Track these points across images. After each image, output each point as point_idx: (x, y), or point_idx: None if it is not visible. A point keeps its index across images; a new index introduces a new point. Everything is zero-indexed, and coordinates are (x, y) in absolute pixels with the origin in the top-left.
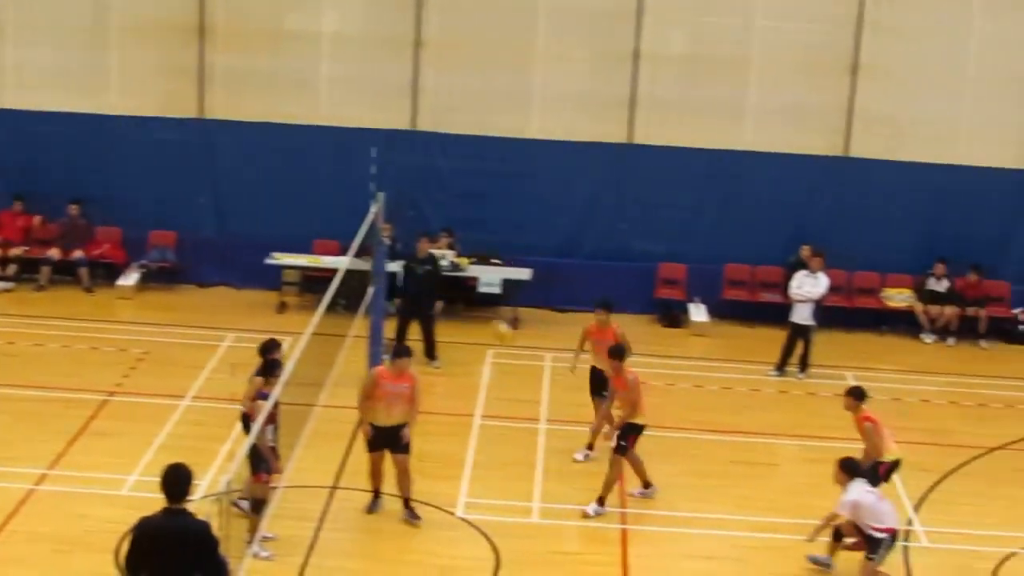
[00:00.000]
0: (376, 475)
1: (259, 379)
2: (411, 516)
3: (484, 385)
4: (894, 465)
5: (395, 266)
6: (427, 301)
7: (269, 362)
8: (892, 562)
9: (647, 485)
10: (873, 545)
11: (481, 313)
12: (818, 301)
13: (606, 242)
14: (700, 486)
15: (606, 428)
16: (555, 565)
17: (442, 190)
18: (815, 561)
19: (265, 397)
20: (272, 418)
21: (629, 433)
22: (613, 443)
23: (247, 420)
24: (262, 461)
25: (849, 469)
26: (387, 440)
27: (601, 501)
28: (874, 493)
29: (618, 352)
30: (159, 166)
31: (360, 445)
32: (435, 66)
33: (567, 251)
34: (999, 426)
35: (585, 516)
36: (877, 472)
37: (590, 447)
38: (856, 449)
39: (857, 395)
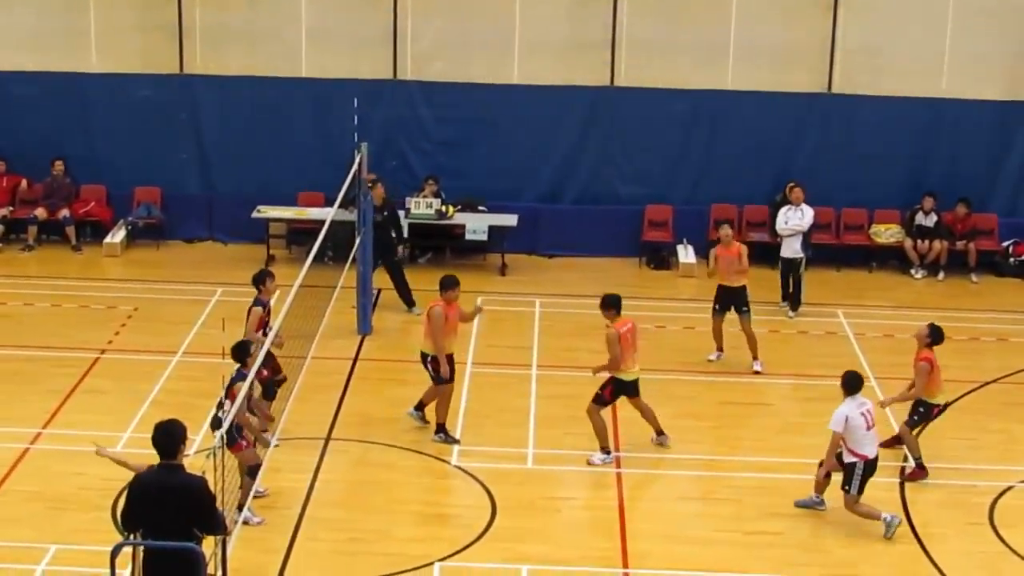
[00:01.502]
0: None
1: (258, 309)
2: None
3: (474, 332)
4: (943, 408)
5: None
6: (387, 249)
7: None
8: (889, 499)
9: (660, 433)
10: (847, 474)
11: (468, 260)
12: (806, 233)
13: (591, 186)
14: (693, 428)
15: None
16: (551, 511)
17: (426, 139)
18: (803, 505)
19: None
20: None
21: (609, 385)
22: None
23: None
24: (236, 431)
25: (847, 384)
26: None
27: (604, 450)
28: (865, 418)
29: (608, 303)
30: (141, 124)
31: (355, 395)
32: (414, 15)
33: (552, 196)
34: (991, 360)
35: (590, 464)
36: (930, 413)
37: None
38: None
39: (934, 336)
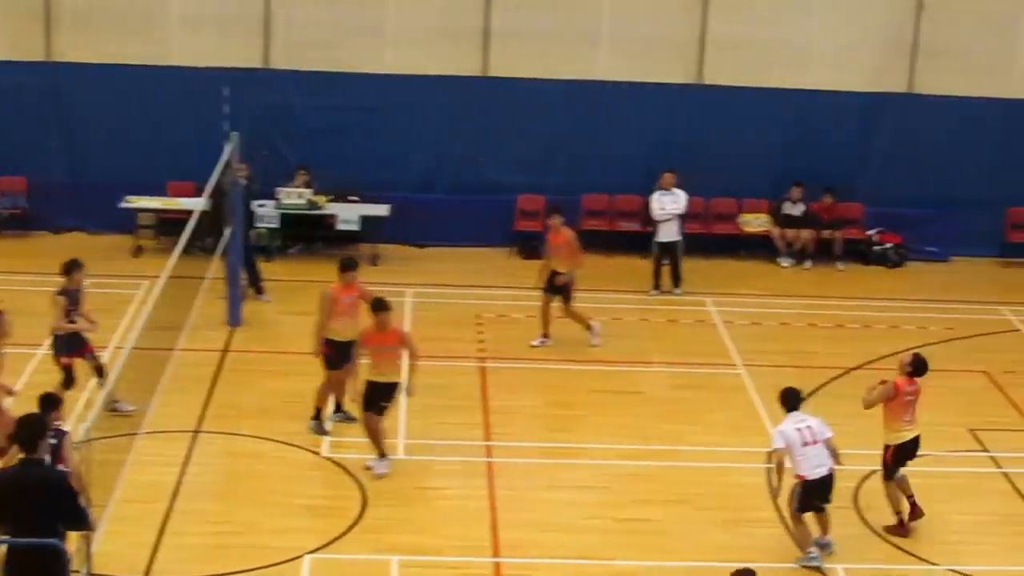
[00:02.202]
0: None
1: (60, 298)
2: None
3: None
4: (910, 443)
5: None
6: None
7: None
8: (758, 484)
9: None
10: (791, 490)
11: (340, 251)
12: (682, 216)
13: (464, 176)
14: (563, 416)
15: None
16: (422, 501)
17: (297, 128)
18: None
19: None
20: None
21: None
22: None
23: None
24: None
25: (784, 401)
26: (348, 354)
27: (382, 455)
28: (803, 433)
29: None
30: (5, 111)
31: (225, 387)
32: (287, 2)
33: (425, 186)
34: (856, 346)
35: (367, 468)
36: (904, 454)
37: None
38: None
39: (916, 366)
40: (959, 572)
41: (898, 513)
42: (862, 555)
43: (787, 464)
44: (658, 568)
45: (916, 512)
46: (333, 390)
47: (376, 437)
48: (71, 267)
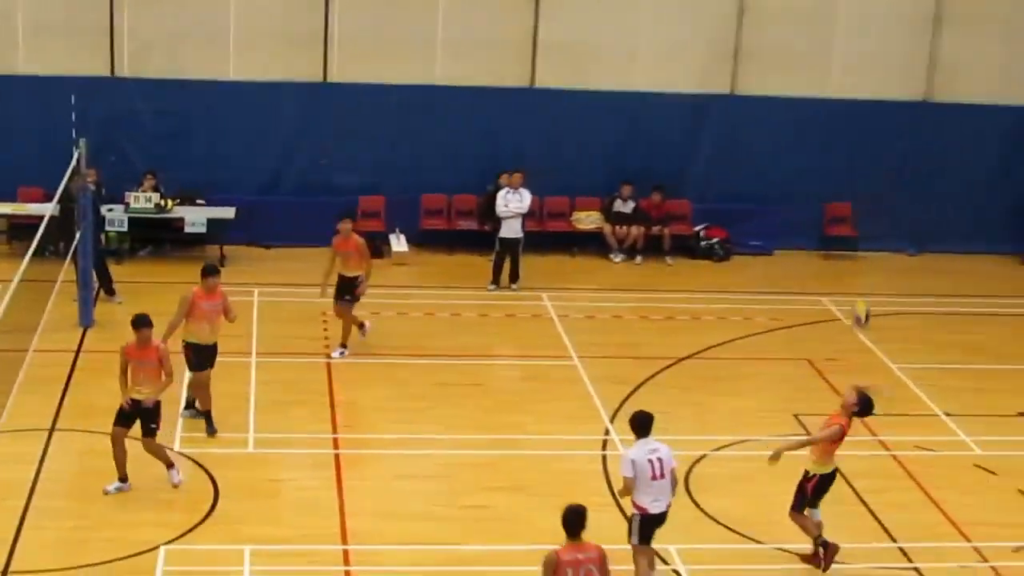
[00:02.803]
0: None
1: None
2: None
3: None
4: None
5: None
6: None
7: None
8: (592, 471)
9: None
10: (630, 522)
11: (188, 253)
12: (525, 215)
13: (307, 178)
14: (407, 409)
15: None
16: (272, 493)
17: (144, 134)
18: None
19: None
20: None
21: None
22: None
23: None
24: None
25: (635, 426)
26: (209, 358)
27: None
28: (653, 465)
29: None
30: None
31: (79, 387)
32: (130, 10)
33: (269, 188)
34: (686, 336)
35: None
36: (827, 484)
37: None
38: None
39: (862, 406)
40: (785, 550)
41: (817, 538)
42: (695, 536)
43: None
44: (500, 552)
45: (826, 556)
46: (195, 390)
47: (158, 452)
48: None
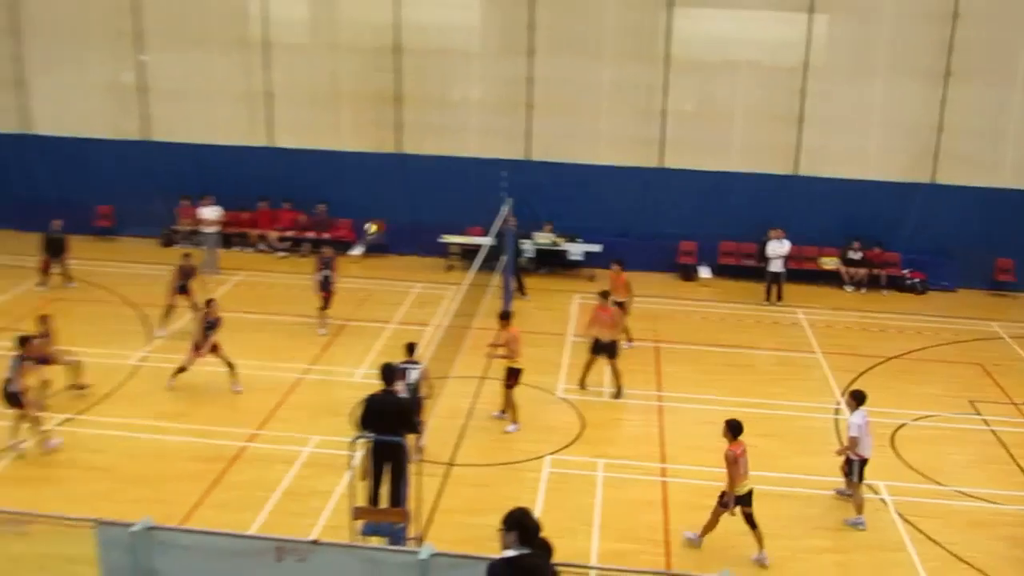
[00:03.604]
0: None
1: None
2: None
3: None
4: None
5: None
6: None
7: None
8: (825, 428)
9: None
10: None
11: (571, 272)
12: (786, 257)
13: (643, 228)
14: (704, 380)
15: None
16: (617, 427)
17: (545, 197)
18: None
19: None
20: None
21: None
22: None
23: None
24: None
25: (857, 398)
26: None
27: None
28: (869, 425)
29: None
30: None
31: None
32: (538, 120)
33: (621, 232)
34: (893, 343)
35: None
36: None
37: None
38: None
39: (732, 429)
40: (962, 492)
41: (706, 529)
42: (897, 477)
43: None
44: (757, 477)
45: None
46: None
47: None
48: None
